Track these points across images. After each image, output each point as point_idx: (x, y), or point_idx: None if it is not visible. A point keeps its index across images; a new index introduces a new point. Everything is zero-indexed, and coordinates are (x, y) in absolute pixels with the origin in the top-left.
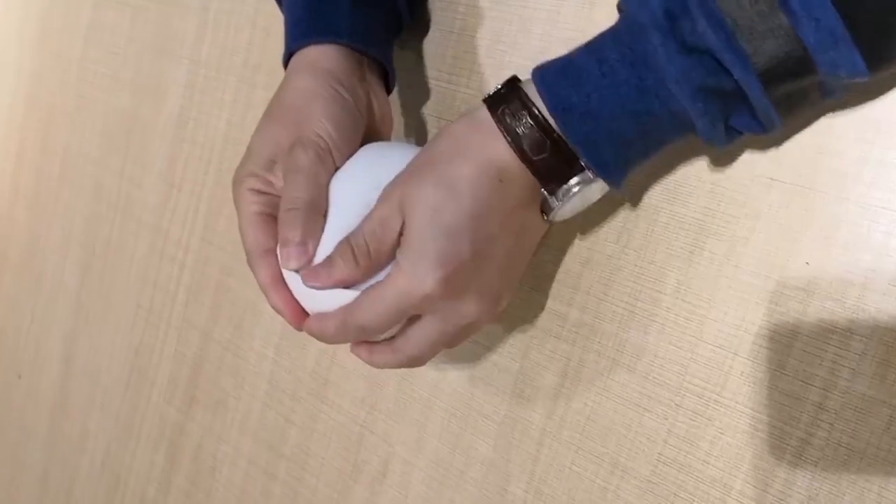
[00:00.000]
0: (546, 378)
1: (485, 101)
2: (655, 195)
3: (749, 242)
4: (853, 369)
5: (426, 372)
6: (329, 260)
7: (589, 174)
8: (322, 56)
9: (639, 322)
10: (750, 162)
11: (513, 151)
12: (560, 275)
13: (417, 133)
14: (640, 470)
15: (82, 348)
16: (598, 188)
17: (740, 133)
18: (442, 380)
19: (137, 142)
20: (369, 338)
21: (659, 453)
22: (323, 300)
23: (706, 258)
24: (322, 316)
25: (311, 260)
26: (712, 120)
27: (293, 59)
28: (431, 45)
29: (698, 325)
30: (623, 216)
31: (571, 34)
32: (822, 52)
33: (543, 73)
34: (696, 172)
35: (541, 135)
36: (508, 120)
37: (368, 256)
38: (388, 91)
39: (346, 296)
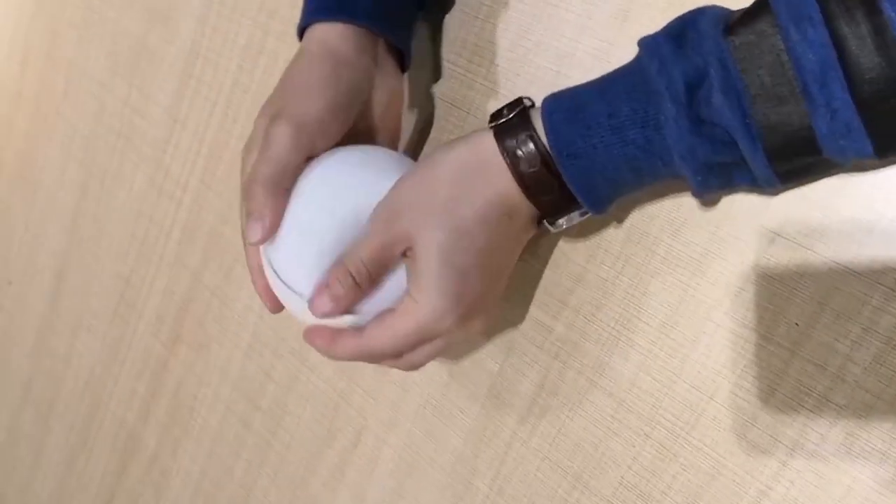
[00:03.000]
0: (524, 385)
1: (493, 130)
2: (658, 227)
3: (742, 293)
4: (822, 434)
5: None
6: (328, 288)
7: (586, 207)
8: (335, 36)
9: (622, 349)
10: (756, 212)
11: (521, 191)
12: (551, 288)
13: (426, 115)
14: (602, 489)
15: (74, 267)
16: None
17: (734, 187)
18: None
19: (144, 69)
20: (377, 362)
21: (622, 477)
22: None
23: (697, 299)
24: (334, 336)
25: (269, 234)
26: (708, 184)
27: (307, 35)
28: (453, 26)
29: (679, 363)
30: (622, 241)
31: (599, 44)
32: (833, 140)
33: (552, 112)
34: (701, 212)
35: (550, 178)
36: (518, 158)
37: (369, 280)
38: (403, 70)
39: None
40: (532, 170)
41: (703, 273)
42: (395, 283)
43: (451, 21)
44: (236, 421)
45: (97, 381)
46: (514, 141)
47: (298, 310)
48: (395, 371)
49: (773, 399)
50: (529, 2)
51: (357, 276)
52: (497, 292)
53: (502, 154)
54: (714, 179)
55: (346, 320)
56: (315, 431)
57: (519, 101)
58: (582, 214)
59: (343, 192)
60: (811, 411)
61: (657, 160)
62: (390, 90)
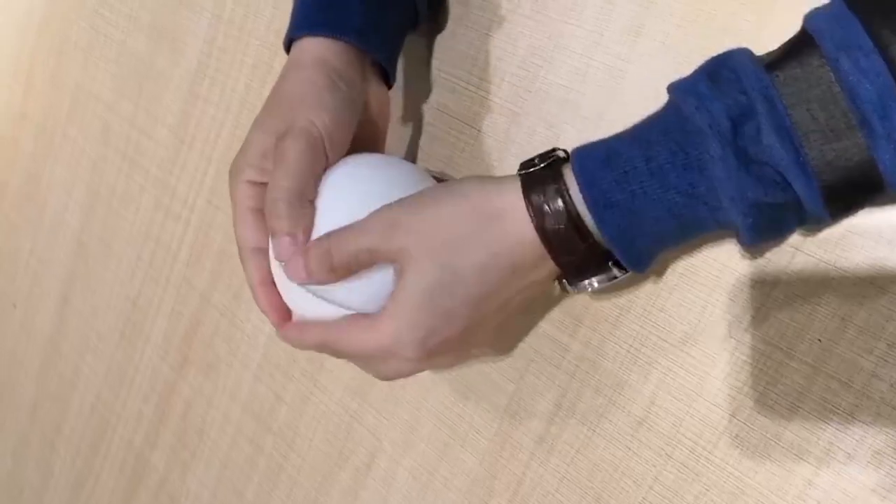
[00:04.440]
0: (541, 404)
1: (521, 179)
2: None
3: (763, 309)
4: (849, 454)
5: (420, 376)
6: (305, 257)
7: (616, 272)
8: (323, 49)
9: (641, 367)
10: None
11: (541, 248)
12: (567, 306)
13: (437, 133)
14: None
15: (80, 290)
16: (622, 278)
17: (784, 235)
18: (434, 387)
19: (151, 90)
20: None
21: (643, 497)
22: (308, 307)
23: (717, 316)
24: (302, 327)
25: (300, 249)
26: (759, 232)
27: (294, 48)
28: (463, 43)
29: (699, 381)
30: None
31: (612, 60)
32: None
33: (584, 161)
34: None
35: (576, 237)
36: (543, 212)
37: (346, 271)
38: (389, 87)
39: (333, 308)
40: (557, 227)
41: (723, 289)
42: (380, 284)
43: (461, 38)
44: (246, 443)
45: (104, 404)
46: (542, 194)
47: (323, 317)
48: (408, 391)
49: (797, 417)
50: (539, 18)
51: (336, 263)
52: (474, 339)
53: (527, 207)
54: (764, 223)
55: (323, 309)
56: (327, 453)
57: (552, 151)
58: (609, 279)
59: (367, 200)
60: (836, 429)
61: (701, 206)
62: (379, 104)
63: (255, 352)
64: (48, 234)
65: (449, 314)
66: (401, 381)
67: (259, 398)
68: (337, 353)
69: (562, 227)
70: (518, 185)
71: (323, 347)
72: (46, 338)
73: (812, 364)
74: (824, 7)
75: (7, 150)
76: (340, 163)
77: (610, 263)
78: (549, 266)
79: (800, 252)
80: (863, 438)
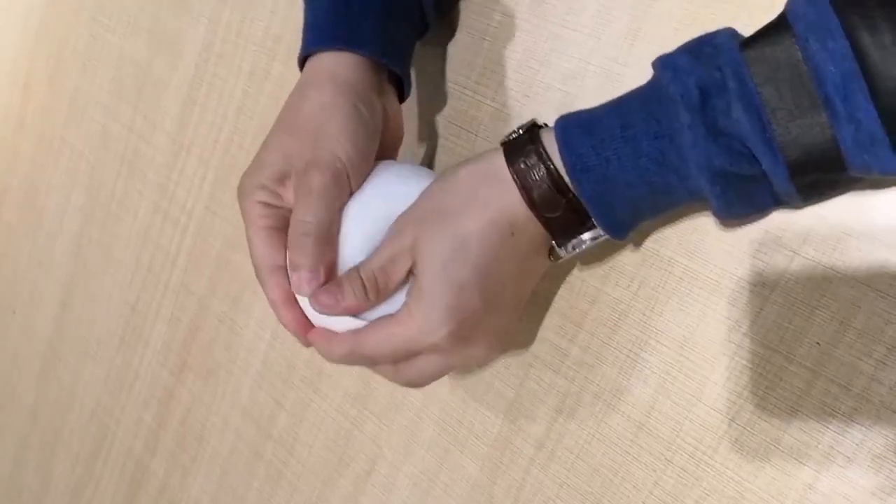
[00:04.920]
0: (541, 410)
1: (503, 147)
2: (673, 247)
3: (762, 313)
4: (849, 457)
5: None
6: (338, 287)
7: (600, 230)
8: (341, 66)
9: (640, 371)
10: (774, 231)
11: (527, 207)
12: (566, 310)
13: (435, 138)
14: None
15: (79, 295)
16: (606, 239)
17: (758, 211)
18: (434, 393)
19: (149, 96)
20: (371, 366)
21: (643, 502)
22: (333, 320)
23: (716, 320)
24: (331, 336)
25: (320, 286)
26: (728, 201)
27: (310, 65)
28: (461, 49)
29: (699, 385)
30: (637, 263)
31: (609, 64)
32: (857, 154)
33: (565, 127)
34: (717, 232)
35: (556, 194)
36: (525, 174)
37: (377, 291)
38: (402, 100)
39: (354, 321)
40: (538, 185)
41: (721, 293)
42: (402, 293)
43: (458, 43)
44: (246, 449)
45: (103, 409)
46: (523, 157)
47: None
48: (408, 397)
49: (797, 420)
50: (537, 22)
51: (368, 286)
52: (501, 321)
53: (509, 169)
54: (733, 195)
55: (349, 323)
56: (328, 460)
57: (532, 121)
58: (593, 239)
59: (390, 216)
60: (836, 433)
61: (671, 173)
62: (393, 119)
63: (254, 358)
64: (47, 239)
65: (463, 285)
66: (401, 388)
67: (259, 404)
68: (367, 358)
69: (544, 185)
70: (501, 152)
71: (352, 355)
72: (46, 343)
73: (811, 368)
74: None
75: (6, 155)
76: (362, 186)
77: (593, 220)
78: (539, 226)
79: (798, 255)
80: (862, 442)
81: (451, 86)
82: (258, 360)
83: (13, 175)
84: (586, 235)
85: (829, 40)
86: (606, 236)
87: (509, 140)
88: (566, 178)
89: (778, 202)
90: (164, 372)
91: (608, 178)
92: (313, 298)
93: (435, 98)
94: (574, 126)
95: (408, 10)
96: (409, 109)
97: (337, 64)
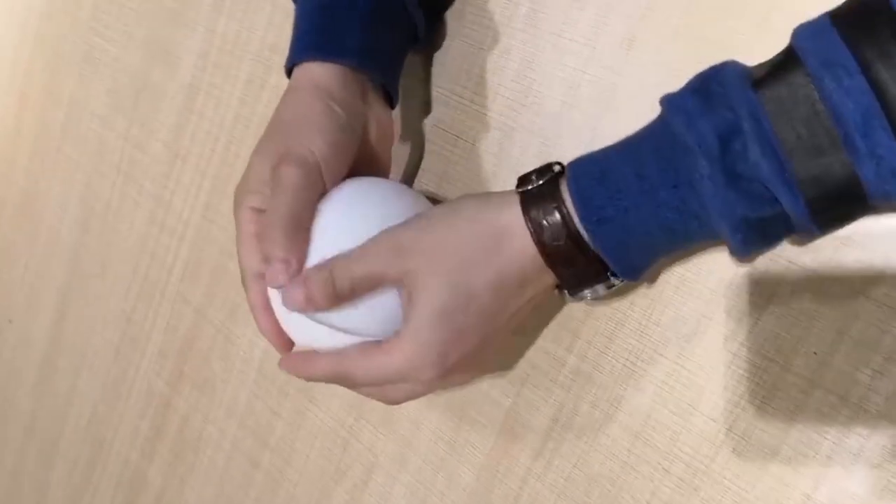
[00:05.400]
0: (537, 419)
1: (520, 196)
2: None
3: (759, 323)
4: (846, 467)
5: None
6: (306, 285)
7: (613, 280)
8: (323, 73)
9: (637, 381)
10: None
11: (543, 262)
12: (563, 320)
13: (431, 147)
14: None
15: (75, 304)
16: (619, 286)
17: (775, 244)
18: (432, 402)
19: (145, 105)
20: (351, 388)
21: None
22: (307, 334)
23: (712, 330)
24: (309, 358)
25: (294, 276)
26: (748, 244)
27: (295, 73)
28: (457, 58)
29: (696, 395)
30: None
31: (605, 73)
32: (878, 186)
33: (579, 178)
34: (715, 242)
35: (575, 251)
36: (543, 229)
37: (350, 296)
38: (392, 106)
39: (331, 335)
40: (556, 242)
41: (718, 303)
42: (384, 309)
43: (454, 52)
44: (243, 459)
45: (100, 420)
46: (541, 212)
47: (326, 343)
48: (405, 407)
49: (794, 430)
50: (533, 31)
51: (338, 290)
52: (489, 352)
53: (527, 224)
54: (753, 236)
55: (328, 341)
56: (324, 469)
57: (548, 167)
58: (608, 288)
59: (365, 223)
60: (833, 443)
61: (692, 220)
62: (381, 126)
63: (250, 367)
64: (43, 249)
65: (463, 332)
66: None
67: (255, 414)
68: (349, 382)
69: (560, 241)
70: (517, 202)
71: (334, 378)
72: (42, 353)
73: (808, 377)
74: (811, 23)
75: (2, 165)
76: (336, 188)
77: (608, 273)
78: (551, 277)
79: (795, 265)
80: (860, 452)
81: (446, 95)
82: (254, 369)
83: (9, 185)
84: (600, 286)
85: (846, 77)
86: (621, 283)
87: (527, 191)
88: (584, 235)
89: (793, 234)
90: (161, 381)
91: (626, 227)
92: (283, 297)
93: (430, 106)
94: (587, 176)
95: (395, 19)
96: (404, 118)
97: (317, 73)
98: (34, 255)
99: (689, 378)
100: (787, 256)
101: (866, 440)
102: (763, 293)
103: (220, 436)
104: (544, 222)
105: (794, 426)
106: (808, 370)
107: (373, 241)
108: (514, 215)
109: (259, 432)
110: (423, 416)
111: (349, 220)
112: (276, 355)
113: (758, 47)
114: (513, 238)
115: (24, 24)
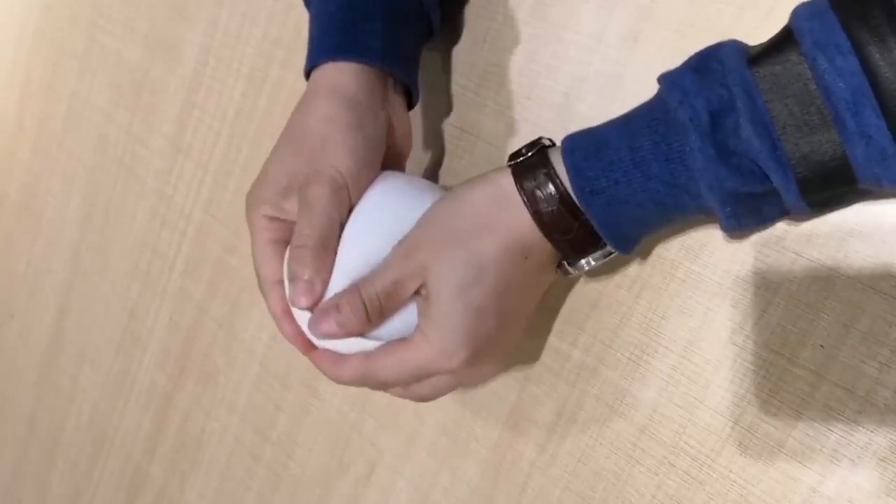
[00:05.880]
0: (542, 413)
1: (511, 169)
2: (675, 250)
3: (765, 315)
4: (853, 460)
5: None
6: (336, 309)
7: (609, 248)
8: (346, 77)
9: (642, 374)
10: (777, 232)
11: (540, 232)
12: (567, 314)
13: (437, 142)
14: None
15: (77, 300)
16: (616, 256)
17: (767, 223)
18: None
19: (147, 99)
20: (382, 389)
21: None
22: (331, 341)
23: (718, 323)
24: (338, 360)
25: (318, 299)
26: (738, 217)
27: (315, 76)
28: (462, 52)
29: (702, 388)
30: (638, 266)
31: (610, 66)
32: (868, 168)
33: (572, 150)
34: (719, 234)
35: (569, 217)
36: (536, 198)
37: (380, 313)
38: (410, 108)
39: (357, 341)
40: (550, 209)
41: (724, 296)
42: (407, 313)
43: (460, 46)
44: (245, 453)
45: (102, 415)
46: (533, 180)
47: (352, 348)
48: (409, 401)
49: (801, 423)
50: (538, 24)
51: (370, 308)
52: (512, 337)
53: (520, 193)
54: (743, 211)
55: (353, 344)
56: (327, 463)
57: (538, 140)
58: (605, 255)
59: (388, 232)
60: (840, 436)
61: (683, 193)
62: (400, 127)
63: (252, 362)
64: (45, 244)
65: (480, 310)
66: None
67: (257, 408)
68: (378, 383)
69: (554, 208)
70: (509, 174)
71: (363, 379)
72: (43, 349)
73: (815, 370)
74: (810, 4)
75: (4, 160)
76: (363, 197)
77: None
78: (551, 247)
79: (801, 257)
80: (867, 445)
81: (452, 88)
82: (256, 363)
83: (11, 180)
84: (597, 254)
85: (838, 57)
86: (615, 254)
87: (518, 163)
88: (577, 201)
89: (786, 214)
90: (163, 377)
91: (618, 199)
92: (312, 327)
93: (436, 101)
94: (581, 148)
95: (412, 17)
96: (411, 112)
97: (341, 75)
98: (35, 250)
99: (694, 371)
100: (793, 248)
101: (874, 433)
102: (769, 286)
103: (223, 430)
104: (537, 191)
105: (800, 419)
106: (814, 363)
107: (389, 253)
108: (507, 187)
109: (261, 427)
110: (427, 410)
111: (373, 238)
112: (279, 349)
113: (763, 39)
114: (509, 209)
115: (25, 18)
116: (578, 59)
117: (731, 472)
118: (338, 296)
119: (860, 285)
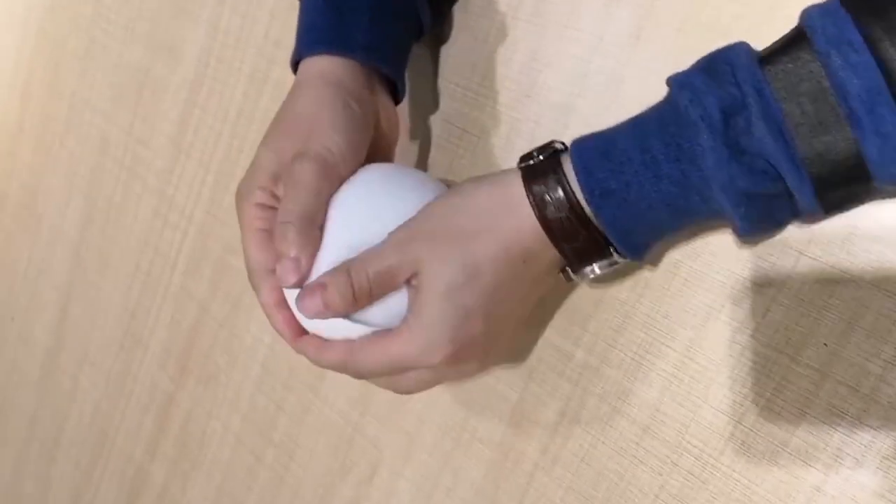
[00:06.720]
0: (544, 413)
1: (522, 171)
2: (678, 249)
3: (768, 314)
4: (857, 459)
5: None
6: (323, 287)
7: (616, 257)
8: (332, 67)
9: (645, 374)
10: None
11: (545, 237)
12: (570, 313)
13: (437, 140)
14: None
15: (78, 300)
16: (622, 264)
17: (779, 226)
18: (437, 396)
19: (148, 100)
20: (363, 378)
21: None
22: (324, 325)
23: (722, 322)
24: (322, 345)
25: (305, 276)
26: (751, 220)
27: (302, 67)
28: (462, 50)
29: (705, 388)
30: (641, 265)
31: (612, 64)
32: (883, 166)
33: (582, 152)
34: (723, 233)
35: (576, 224)
36: (545, 203)
37: (368, 297)
38: (397, 102)
39: (347, 328)
40: (558, 215)
41: (727, 294)
42: (398, 302)
43: (460, 44)
44: (247, 454)
45: (103, 415)
46: (543, 185)
47: (341, 335)
48: (410, 401)
49: (804, 422)
50: (538, 22)
51: (357, 291)
52: (499, 340)
53: (528, 196)
54: (755, 213)
55: (339, 330)
56: (329, 465)
57: (550, 144)
58: (610, 265)
59: (378, 214)
60: (844, 435)
61: (694, 195)
62: (388, 119)
63: (254, 362)
64: (46, 245)
65: (469, 311)
66: None
67: (259, 409)
68: (359, 371)
69: (563, 215)
70: (518, 176)
71: (344, 366)
72: (45, 349)
73: (819, 369)
74: (821, 4)
75: (4, 161)
76: (351, 179)
77: (611, 248)
78: (553, 254)
79: (804, 256)
80: (871, 444)
81: (452, 87)
82: (258, 364)
83: (12, 181)
84: (602, 262)
85: (852, 54)
86: (624, 261)
87: (529, 165)
88: (586, 208)
89: (798, 216)
90: (164, 377)
91: (629, 201)
92: (299, 304)
93: (436, 99)
94: (590, 150)
95: (401, 13)
96: (411, 111)
97: (328, 66)
98: (36, 250)
99: (697, 371)
100: (796, 247)
101: (878, 432)
102: (772, 284)
103: (224, 431)
104: (546, 196)
105: (804, 418)
106: (818, 362)
107: (386, 238)
108: (515, 190)
109: (263, 427)
110: (429, 410)
111: (361, 214)
112: (280, 350)
113: (765, 38)
114: (514, 212)
115: (26, 18)
116: (579, 58)
117: (734, 471)
118: (326, 274)
119: (864, 283)
